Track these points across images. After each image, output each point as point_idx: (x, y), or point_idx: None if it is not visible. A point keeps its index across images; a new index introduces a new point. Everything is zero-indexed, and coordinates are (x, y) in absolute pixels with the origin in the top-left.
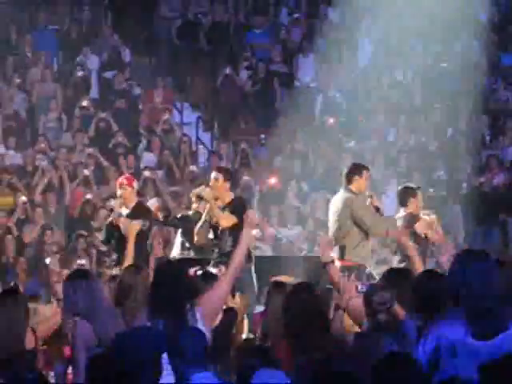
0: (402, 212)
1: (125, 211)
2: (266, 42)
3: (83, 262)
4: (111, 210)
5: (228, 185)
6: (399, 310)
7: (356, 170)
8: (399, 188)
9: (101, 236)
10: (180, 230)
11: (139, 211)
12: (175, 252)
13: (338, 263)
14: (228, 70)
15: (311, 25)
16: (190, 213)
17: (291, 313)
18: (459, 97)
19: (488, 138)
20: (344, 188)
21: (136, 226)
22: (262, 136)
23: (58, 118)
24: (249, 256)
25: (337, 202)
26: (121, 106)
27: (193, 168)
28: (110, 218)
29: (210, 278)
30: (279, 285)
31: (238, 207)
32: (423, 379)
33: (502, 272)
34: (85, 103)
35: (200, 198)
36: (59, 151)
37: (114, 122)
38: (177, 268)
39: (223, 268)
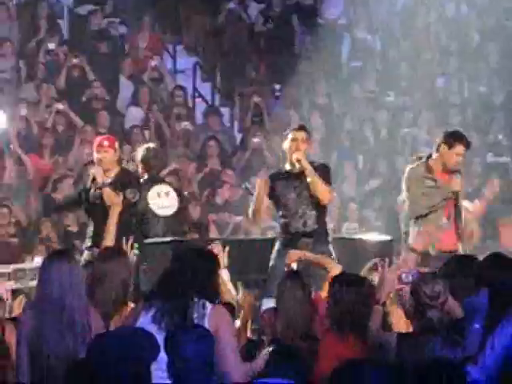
0: None
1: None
2: None
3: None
4: (93, 180)
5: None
6: (455, 307)
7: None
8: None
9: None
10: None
11: (125, 180)
12: None
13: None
14: (233, 4)
15: None
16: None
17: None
18: None
19: None
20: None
21: (118, 198)
22: (277, 87)
23: (15, 65)
24: None
25: None
26: (99, 50)
27: (186, 125)
28: (91, 188)
29: None
30: (295, 275)
31: (323, 176)
32: None
33: None
34: (51, 46)
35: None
36: (18, 107)
37: (90, 69)
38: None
39: (219, 246)
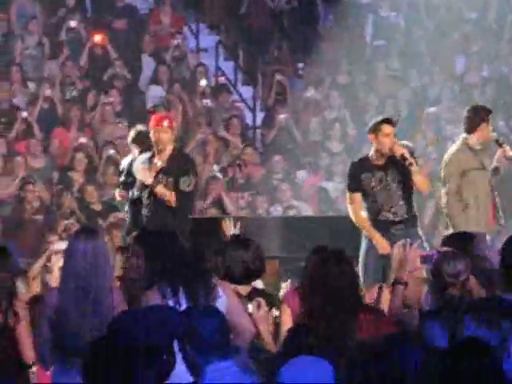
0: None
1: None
2: None
3: (70, 221)
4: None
5: None
6: (474, 284)
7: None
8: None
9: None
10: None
11: (181, 165)
12: None
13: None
14: None
15: None
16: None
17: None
18: None
19: None
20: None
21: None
22: (300, 65)
23: (38, 43)
24: None
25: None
26: (121, 28)
27: (208, 103)
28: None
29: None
30: (321, 251)
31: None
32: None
33: None
34: (73, 24)
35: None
36: (41, 85)
37: (112, 47)
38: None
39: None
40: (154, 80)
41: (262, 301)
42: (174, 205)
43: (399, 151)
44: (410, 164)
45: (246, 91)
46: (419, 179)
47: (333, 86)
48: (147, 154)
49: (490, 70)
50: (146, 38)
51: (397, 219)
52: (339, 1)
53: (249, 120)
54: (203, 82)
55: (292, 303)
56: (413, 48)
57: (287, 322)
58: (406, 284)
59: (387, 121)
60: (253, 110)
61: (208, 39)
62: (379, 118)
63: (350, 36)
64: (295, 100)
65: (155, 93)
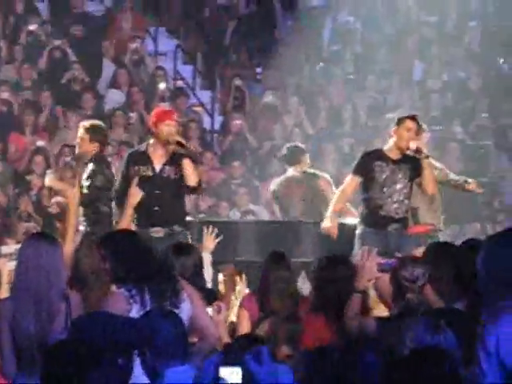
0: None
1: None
2: None
3: (31, 224)
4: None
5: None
6: (429, 292)
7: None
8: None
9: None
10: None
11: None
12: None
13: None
14: None
15: None
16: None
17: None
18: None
19: None
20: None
21: None
22: (259, 70)
23: None
24: None
25: None
26: (81, 31)
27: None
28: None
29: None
30: (279, 257)
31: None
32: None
33: None
34: (32, 27)
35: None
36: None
37: (71, 51)
38: None
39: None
40: (113, 83)
41: (222, 305)
42: (195, 183)
43: (414, 145)
44: (427, 157)
45: (205, 95)
46: (430, 175)
47: (291, 91)
48: (138, 151)
49: (449, 75)
50: (106, 41)
51: (396, 217)
52: (297, 6)
53: (207, 124)
54: (162, 86)
55: (249, 307)
56: (371, 53)
57: (245, 326)
58: (363, 293)
59: (412, 117)
60: (211, 115)
61: (167, 43)
62: (405, 114)
63: (307, 41)
64: (253, 105)
65: (115, 96)
